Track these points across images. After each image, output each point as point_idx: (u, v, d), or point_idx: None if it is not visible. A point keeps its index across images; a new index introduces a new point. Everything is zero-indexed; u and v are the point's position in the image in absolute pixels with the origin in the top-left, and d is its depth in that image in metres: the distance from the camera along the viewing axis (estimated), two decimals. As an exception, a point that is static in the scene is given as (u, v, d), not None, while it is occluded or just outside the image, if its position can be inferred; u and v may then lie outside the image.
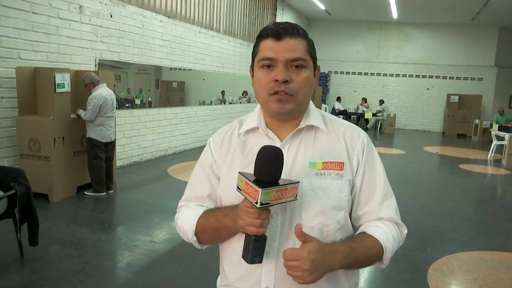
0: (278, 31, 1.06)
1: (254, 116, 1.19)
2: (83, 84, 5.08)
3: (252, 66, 1.15)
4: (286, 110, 1.07)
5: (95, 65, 6.21)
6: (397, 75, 16.46)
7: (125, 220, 4.57)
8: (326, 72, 16.87)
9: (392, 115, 14.77)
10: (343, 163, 1.09)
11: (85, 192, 5.20)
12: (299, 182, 0.98)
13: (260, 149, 0.97)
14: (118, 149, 6.07)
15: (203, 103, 10.02)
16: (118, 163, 6.36)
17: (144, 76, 8.20)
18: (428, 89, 16.17)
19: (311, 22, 16.74)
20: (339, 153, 1.11)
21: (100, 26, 6.27)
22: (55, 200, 4.82)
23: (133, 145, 7.19)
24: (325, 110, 11.04)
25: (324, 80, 16.55)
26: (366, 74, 16.75)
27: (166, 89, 8.91)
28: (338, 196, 1.07)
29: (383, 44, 16.48)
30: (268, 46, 1.06)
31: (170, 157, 8.06)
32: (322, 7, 14.15)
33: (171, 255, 3.60)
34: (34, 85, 4.92)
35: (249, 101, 12.22)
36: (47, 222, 4.12)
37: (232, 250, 1.13)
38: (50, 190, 4.80)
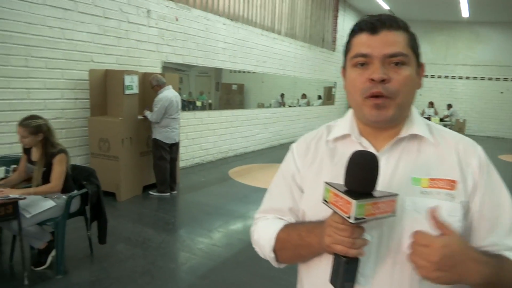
0: (373, 24, 0.91)
1: (345, 121, 1.04)
2: (150, 86, 5.20)
3: (344, 67, 1.00)
4: (385, 117, 0.91)
5: (161, 67, 6.36)
6: (467, 78, 15.46)
7: (188, 222, 4.60)
8: (389, 74, 16.25)
9: (461, 120, 13.88)
10: (455, 182, 0.91)
11: (150, 192, 5.32)
12: (397, 194, 0.82)
13: (352, 154, 0.83)
14: (181, 150, 6.15)
15: (262, 105, 9.98)
16: (181, 164, 6.45)
17: (205, 78, 8.29)
18: (502, 92, 15.02)
19: (374, 23, 16.20)
20: (450, 169, 0.92)
21: (166, 30, 6.41)
22: (122, 199, 4.96)
23: (195, 146, 7.29)
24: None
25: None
26: (432, 76, 15.89)
27: (226, 91, 8.97)
28: (448, 220, 0.87)
29: (452, 45, 15.55)
30: (362, 41, 0.92)
31: (231, 159, 8.08)
32: (386, 7, 13.62)
33: (234, 261, 3.53)
34: (104, 87, 5.11)
35: (308, 104, 12.04)
36: (114, 221, 4.22)
37: (315, 275, 0.99)
38: (117, 189, 4.95)
